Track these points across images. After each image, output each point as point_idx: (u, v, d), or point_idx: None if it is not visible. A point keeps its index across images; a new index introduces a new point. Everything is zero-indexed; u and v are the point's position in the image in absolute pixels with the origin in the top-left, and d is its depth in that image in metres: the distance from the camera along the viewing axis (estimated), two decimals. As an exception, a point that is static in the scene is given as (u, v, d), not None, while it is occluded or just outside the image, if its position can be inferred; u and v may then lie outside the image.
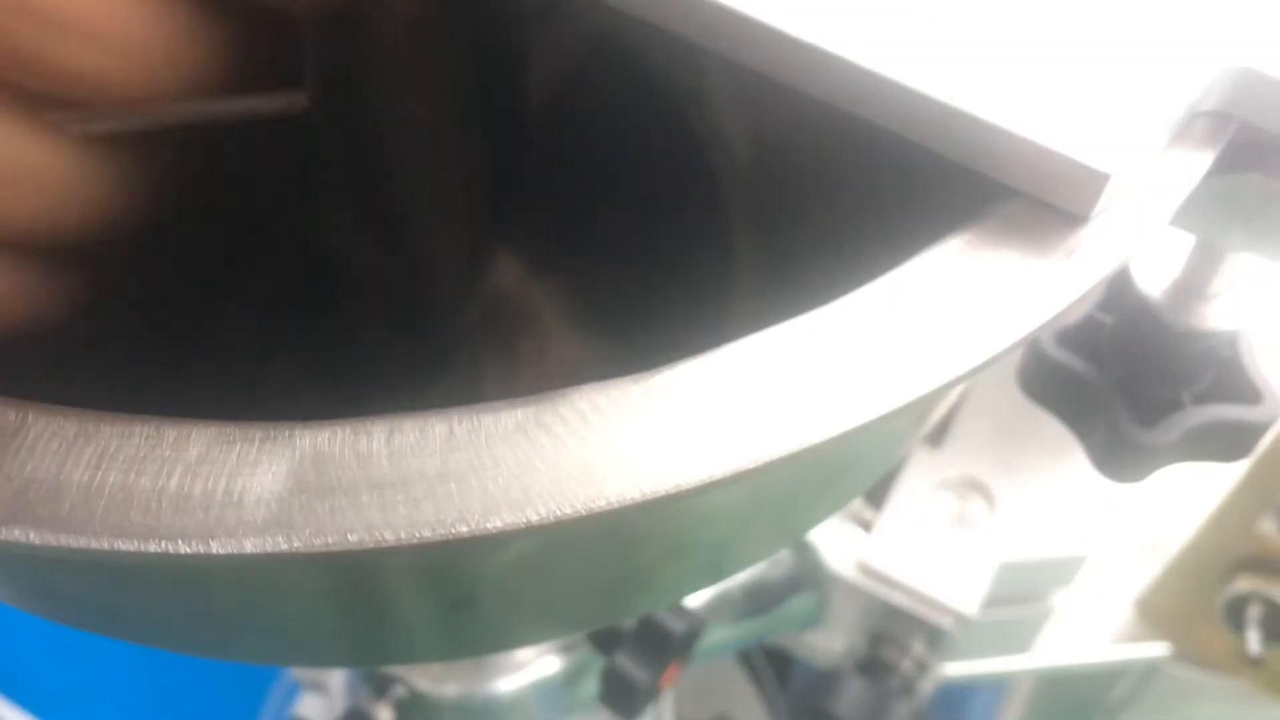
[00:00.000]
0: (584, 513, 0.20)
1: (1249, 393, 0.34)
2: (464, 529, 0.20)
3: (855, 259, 0.39)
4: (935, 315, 0.24)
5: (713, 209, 0.50)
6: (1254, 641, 0.80)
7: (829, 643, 0.84)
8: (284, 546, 0.20)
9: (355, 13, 0.37)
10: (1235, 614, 0.81)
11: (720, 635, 0.82)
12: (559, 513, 0.20)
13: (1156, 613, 0.87)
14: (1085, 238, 0.25)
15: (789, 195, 0.49)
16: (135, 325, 0.48)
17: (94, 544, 0.19)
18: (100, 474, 0.20)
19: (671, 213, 0.52)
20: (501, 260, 0.53)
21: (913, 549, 0.76)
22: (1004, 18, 0.26)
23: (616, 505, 0.20)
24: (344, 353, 0.52)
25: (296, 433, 0.21)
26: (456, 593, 0.28)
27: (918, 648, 0.78)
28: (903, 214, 0.36)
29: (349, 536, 0.20)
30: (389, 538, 0.20)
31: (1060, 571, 0.83)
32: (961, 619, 0.76)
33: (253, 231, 0.51)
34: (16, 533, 0.19)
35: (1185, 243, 0.35)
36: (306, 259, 0.52)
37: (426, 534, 0.20)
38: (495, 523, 0.20)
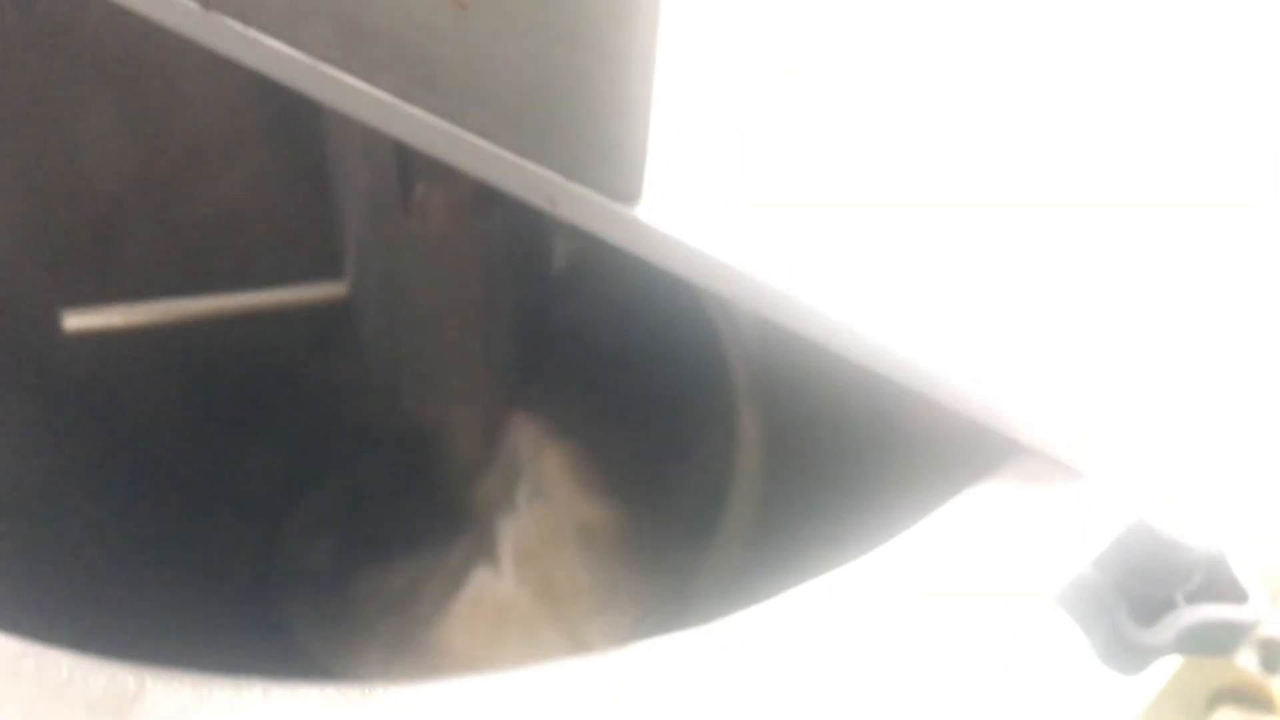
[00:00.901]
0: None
1: (1236, 592, 0.36)
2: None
3: (858, 459, 0.41)
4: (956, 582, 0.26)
5: (723, 391, 0.53)
6: (1237, 773, 0.81)
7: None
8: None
9: (397, 207, 0.39)
10: (1216, 746, 0.82)
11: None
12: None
13: (1140, 745, 0.89)
14: (1091, 494, 0.27)
15: (797, 391, 0.51)
16: (162, 470, 0.50)
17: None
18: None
19: (684, 390, 0.54)
20: (519, 424, 0.55)
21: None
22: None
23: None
24: (364, 509, 0.54)
25: (392, 691, 0.23)
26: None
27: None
28: (905, 419, 0.39)
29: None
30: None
31: None
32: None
33: (280, 390, 0.53)
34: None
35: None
36: (329, 420, 0.54)
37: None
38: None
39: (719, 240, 0.28)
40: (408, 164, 0.38)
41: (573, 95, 0.27)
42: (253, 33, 0.31)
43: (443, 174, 0.39)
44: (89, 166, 0.51)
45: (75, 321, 0.44)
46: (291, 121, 0.54)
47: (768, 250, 0.28)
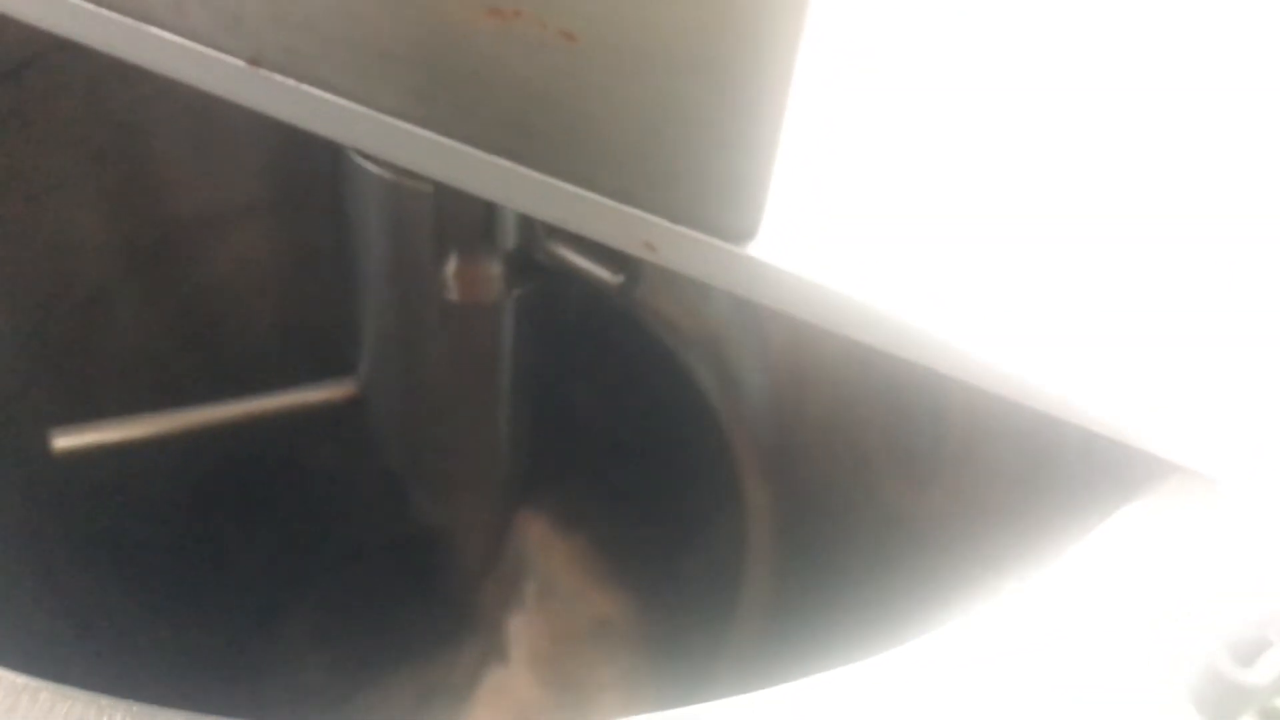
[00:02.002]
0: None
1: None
2: None
3: (886, 522, 0.40)
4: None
5: (727, 469, 0.51)
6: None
7: None
8: None
9: (428, 281, 0.37)
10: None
11: None
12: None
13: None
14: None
15: (814, 459, 0.50)
16: (154, 567, 0.46)
17: None
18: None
19: (688, 472, 0.52)
20: (526, 520, 0.53)
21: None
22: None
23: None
24: (365, 615, 0.51)
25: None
26: None
27: None
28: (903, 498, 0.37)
29: None
30: None
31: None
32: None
33: (281, 483, 0.50)
34: None
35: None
36: (332, 517, 0.51)
37: None
38: None
39: (842, 275, 0.27)
40: (443, 233, 0.36)
41: (691, 131, 0.25)
42: (308, 88, 0.29)
43: (478, 243, 0.37)
44: (71, 246, 0.48)
45: (65, 441, 0.41)
46: (283, 199, 0.52)
47: (890, 282, 0.27)
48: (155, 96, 0.48)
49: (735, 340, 0.54)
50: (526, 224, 0.37)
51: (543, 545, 0.52)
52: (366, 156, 0.35)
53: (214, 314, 0.52)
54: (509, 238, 0.36)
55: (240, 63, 0.29)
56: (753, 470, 0.54)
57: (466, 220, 0.36)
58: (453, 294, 0.37)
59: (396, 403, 0.42)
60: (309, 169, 0.51)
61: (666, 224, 0.27)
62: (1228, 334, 0.28)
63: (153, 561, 0.48)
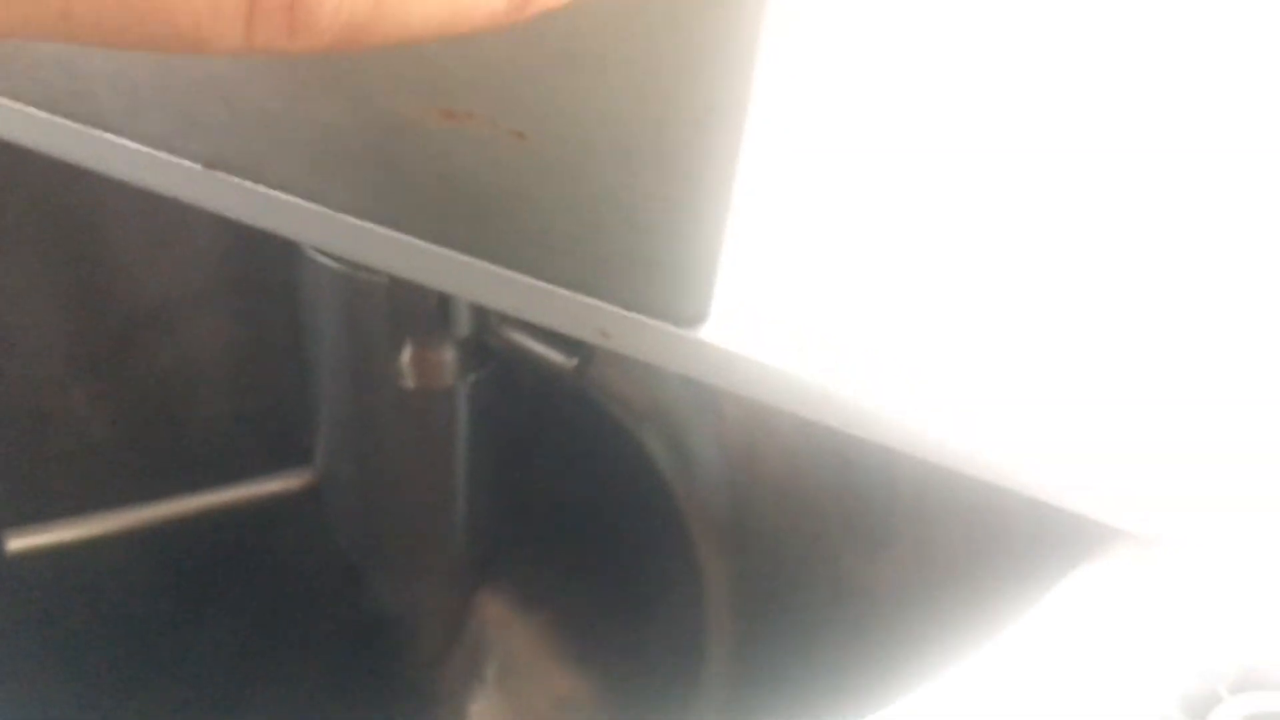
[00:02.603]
0: None
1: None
2: None
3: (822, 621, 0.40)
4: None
5: (683, 544, 0.52)
6: None
7: None
8: None
9: (385, 368, 0.38)
10: None
11: None
12: None
13: None
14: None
15: (770, 534, 0.51)
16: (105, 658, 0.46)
17: None
18: None
19: (644, 548, 0.53)
20: (483, 601, 0.53)
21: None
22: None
23: None
24: (327, 702, 0.51)
25: None
26: None
27: None
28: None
29: None
30: None
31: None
32: None
33: (236, 571, 0.50)
34: None
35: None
36: (287, 605, 0.51)
37: None
38: None
39: (790, 355, 0.28)
40: (398, 322, 0.37)
41: (639, 221, 0.26)
42: (263, 189, 0.30)
43: (432, 331, 0.37)
44: (21, 344, 0.47)
45: (18, 543, 0.41)
46: (236, 289, 0.52)
47: (841, 363, 0.28)
48: (106, 192, 0.49)
49: (687, 415, 0.54)
50: (480, 311, 0.37)
51: (502, 625, 0.52)
52: (321, 250, 0.35)
53: (168, 407, 0.52)
54: (463, 325, 0.37)
55: (196, 166, 0.30)
56: (709, 543, 0.54)
57: (421, 309, 0.36)
58: (408, 381, 0.38)
59: (353, 490, 0.43)
60: (262, 259, 0.51)
61: (620, 311, 0.28)
62: (1166, 395, 0.29)
63: (108, 658, 0.47)
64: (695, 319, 0.27)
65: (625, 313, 0.28)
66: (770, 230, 0.31)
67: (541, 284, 0.28)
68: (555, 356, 0.37)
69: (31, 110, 0.30)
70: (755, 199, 0.31)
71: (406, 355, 0.37)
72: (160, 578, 0.49)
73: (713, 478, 0.56)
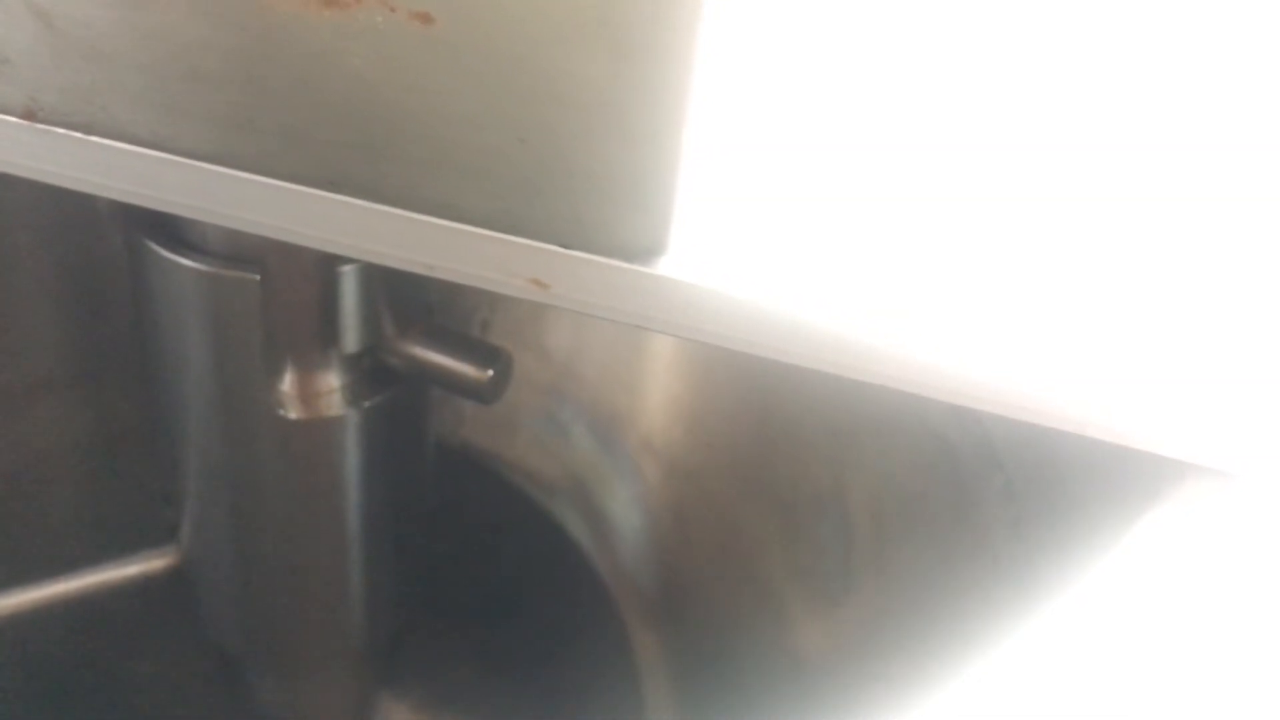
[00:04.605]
0: None
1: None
2: None
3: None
4: None
5: (611, 621, 0.46)
6: None
7: None
8: None
9: (261, 397, 0.31)
10: None
11: None
12: None
13: None
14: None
15: (700, 614, 0.45)
16: None
17: None
18: None
19: (570, 628, 0.47)
20: (386, 704, 0.45)
21: None
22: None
23: None
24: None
25: None
26: None
27: None
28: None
29: None
30: None
31: None
32: None
33: (101, 687, 0.42)
34: None
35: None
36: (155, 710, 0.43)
37: None
38: None
39: (755, 289, 0.22)
40: (274, 335, 0.30)
41: (581, 129, 0.21)
42: (97, 139, 0.24)
43: (315, 346, 0.31)
44: None
45: None
46: (79, 375, 0.45)
47: (808, 295, 0.23)
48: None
49: (602, 480, 0.49)
50: (372, 322, 0.31)
51: (409, 732, 0.45)
52: (178, 248, 0.29)
53: (22, 494, 0.45)
54: (352, 338, 0.31)
55: (12, 119, 0.24)
56: (637, 618, 0.48)
57: (301, 318, 0.30)
58: (290, 410, 0.31)
59: (225, 563, 0.36)
60: (106, 339, 0.45)
61: (558, 250, 0.22)
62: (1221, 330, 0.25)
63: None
64: (652, 250, 0.22)
65: (565, 251, 0.22)
66: (732, 148, 0.26)
67: (455, 225, 0.22)
68: (466, 369, 0.31)
69: None
70: (712, 109, 0.26)
71: (287, 378, 0.31)
72: (11, 677, 0.41)
73: (636, 546, 0.50)
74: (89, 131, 0.24)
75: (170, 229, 0.30)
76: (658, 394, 0.49)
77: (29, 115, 0.24)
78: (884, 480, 0.41)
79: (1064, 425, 0.22)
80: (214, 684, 0.39)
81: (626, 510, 0.50)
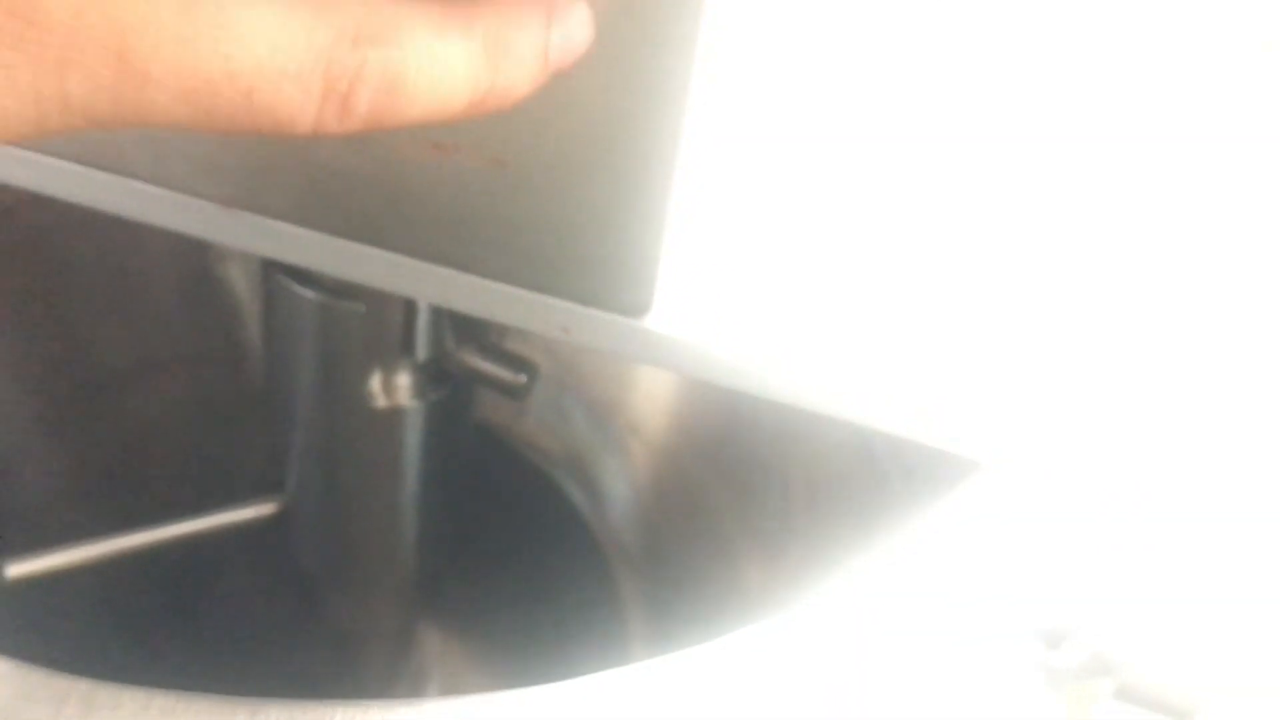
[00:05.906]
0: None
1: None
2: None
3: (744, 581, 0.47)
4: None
5: (604, 578, 0.58)
6: None
7: None
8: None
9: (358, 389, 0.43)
10: None
11: None
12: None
13: None
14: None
15: (672, 566, 0.57)
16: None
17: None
18: None
19: (569, 580, 0.59)
20: (425, 627, 0.58)
21: None
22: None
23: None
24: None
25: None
26: None
27: None
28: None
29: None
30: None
31: None
32: None
33: (202, 593, 0.54)
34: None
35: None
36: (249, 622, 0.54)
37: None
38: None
39: (729, 339, 0.35)
40: (369, 348, 0.43)
41: (594, 229, 0.33)
42: (272, 223, 0.36)
43: (397, 356, 0.43)
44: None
45: (16, 569, 0.45)
46: (197, 347, 0.57)
47: (773, 340, 0.35)
48: (71, 259, 0.54)
49: (596, 456, 0.61)
50: (438, 339, 0.43)
51: (442, 649, 0.57)
52: (303, 282, 0.41)
53: (131, 460, 0.56)
54: (423, 350, 0.43)
55: (215, 206, 0.36)
56: (622, 566, 0.60)
57: (388, 336, 0.42)
58: (378, 401, 0.43)
59: (319, 512, 0.48)
60: (217, 323, 0.57)
61: (577, 308, 0.34)
62: (1033, 334, 0.37)
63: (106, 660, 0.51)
64: (641, 308, 0.34)
65: (583, 309, 0.34)
66: (708, 224, 0.38)
67: (512, 289, 0.35)
68: (504, 375, 0.43)
69: (63, 163, 0.36)
70: (694, 194, 0.38)
71: (376, 378, 0.43)
72: (137, 598, 0.53)
73: (623, 512, 0.62)
74: (268, 215, 0.36)
75: (298, 269, 0.42)
76: (643, 388, 0.61)
77: (227, 204, 0.36)
78: (817, 459, 0.53)
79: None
80: (297, 604, 0.52)
81: (615, 481, 0.62)
